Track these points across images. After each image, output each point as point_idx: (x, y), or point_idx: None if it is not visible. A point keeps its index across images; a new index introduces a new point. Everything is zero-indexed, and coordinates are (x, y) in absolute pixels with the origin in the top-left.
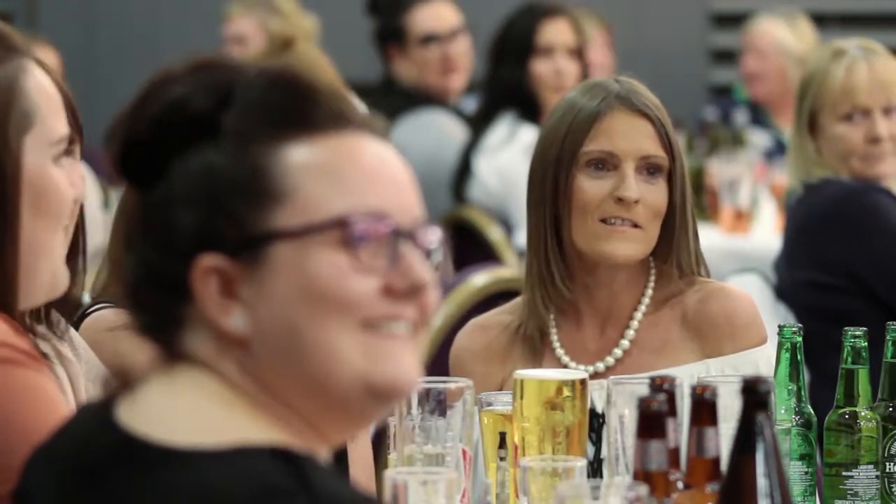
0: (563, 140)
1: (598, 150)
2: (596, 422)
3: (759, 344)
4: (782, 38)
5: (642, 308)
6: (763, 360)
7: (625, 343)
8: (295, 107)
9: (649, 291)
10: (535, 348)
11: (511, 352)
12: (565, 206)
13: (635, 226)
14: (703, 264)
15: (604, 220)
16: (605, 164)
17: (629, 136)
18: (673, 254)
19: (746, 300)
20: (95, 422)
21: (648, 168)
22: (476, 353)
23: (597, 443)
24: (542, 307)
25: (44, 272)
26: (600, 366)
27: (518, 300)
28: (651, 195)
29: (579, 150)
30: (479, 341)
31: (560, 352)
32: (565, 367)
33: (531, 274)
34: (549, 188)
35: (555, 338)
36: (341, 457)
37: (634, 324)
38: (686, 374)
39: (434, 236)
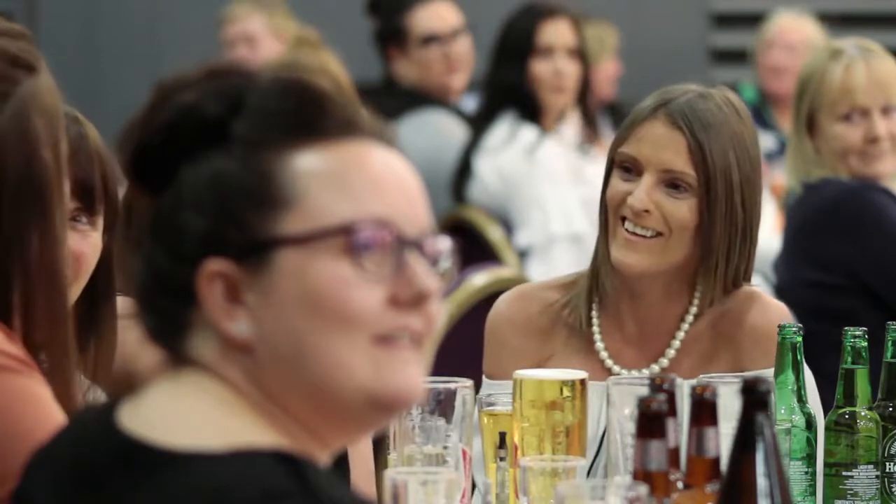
0: (615, 138)
1: (626, 154)
2: None
3: None
4: (810, 33)
5: (685, 326)
6: None
7: (664, 361)
8: (304, 114)
9: (693, 310)
10: (580, 340)
11: (554, 334)
12: (603, 203)
13: (658, 234)
14: (748, 277)
15: (623, 222)
16: (632, 168)
17: (656, 147)
18: (716, 275)
19: (782, 311)
20: (97, 424)
21: (671, 183)
22: (516, 324)
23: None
24: (590, 294)
25: None
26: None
27: (570, 277)
28: (671, 207)
29: (616, 150)
30: (521, 312)
31: (600, 345)
32: (609, 370)
33: (595, 258)
34: (604, 183)
35: (597, 331)
36: (341, 460)
37: (676, 343)
38: None
39: (441, 245)
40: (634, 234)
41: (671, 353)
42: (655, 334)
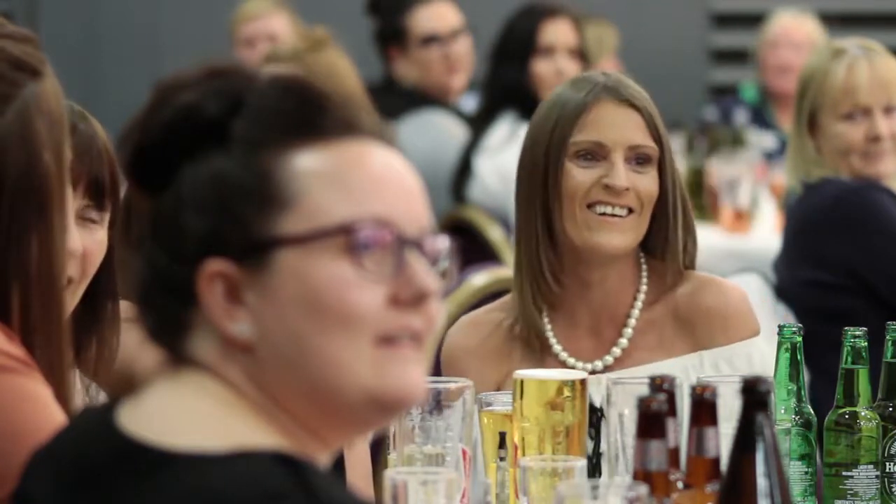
0: (552, 132)
1: (586, 141)
2: (594, 416)
3: (752, 336)
4: (813, 32)
5: (638, 305)
6: (756, 352)
7: (623, 342)
8: (304, 114)
9: (644, 288)
10: (534, 350)
11: (510, 352)
12: (555, 196)
13: (630, 211)
14: (692, 259)
15: (591, 207)
16: (594, 154)
17: (617, 127)
18: (668, 248)
19: (738, 292)
20: (97, 425)
21: (637, 158)
22: (470, 351)
23: (595, 437)
24: (533, 304)
25: None
26: (599, 364)
27: (507, 298)
28: (641, 183)
29: (568, 141)
30: (473, 339)
31: (558, 348)
32: (564, 364)
33: (520, 270)
34: (539, 180)
35: (551, 335)
36: (338, 461)
37: (632, 321)
38: (680, 367)
39: (441, 245)
40: (613, 215)
41: (628, 331)
42: (611, 321)
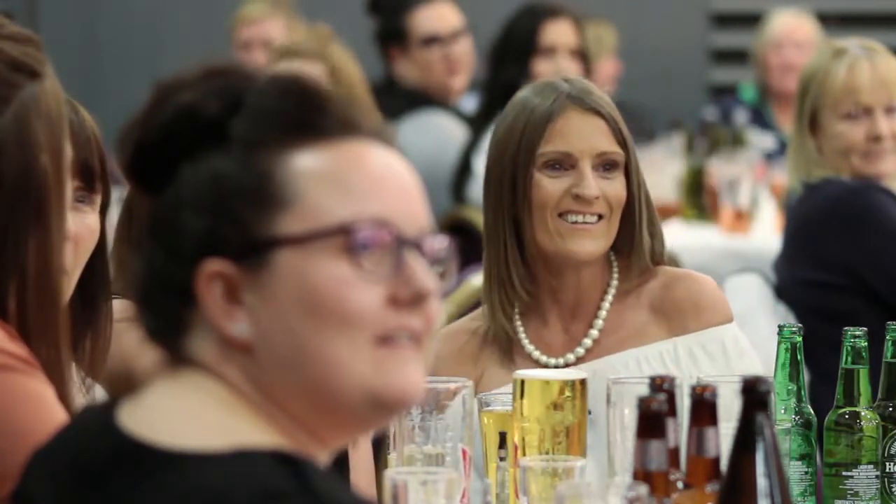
0: (519, 142)
1: (554, 151)
2: None
3: (725, 323)
4: (811, 30)
5: (608, 299)
6: (729, 338)
7: (594, 333)
8: (303, 114)
9: (614, 282)
10: (504, 348)
11: (481, 353)
12: (525, 206)
13: (600, 217)
14: (663, 253)
15: (562, 216)
16: (562, 163)
17: (584, 136)
18: (635, 248)
19: (709, 282)
20: (97, 424)
21: (605, 164)
22: (446, 359)
23: None
24: (502, 312)
25: None
26: (570, 357)
27: (482, 309)
28: (610, 189)
29: (535, 152)
30: (450, 347)
31: (530, 348)
32: (536, 362)
33: (489, 280)
34: (507, 190)
35: (523, 335)
36: (342, 461)
37: (602, 314)
38: (654, 353)
39: (440, 245)
40: (585, 223)
41: (599, 322)
42: (582, 317)
